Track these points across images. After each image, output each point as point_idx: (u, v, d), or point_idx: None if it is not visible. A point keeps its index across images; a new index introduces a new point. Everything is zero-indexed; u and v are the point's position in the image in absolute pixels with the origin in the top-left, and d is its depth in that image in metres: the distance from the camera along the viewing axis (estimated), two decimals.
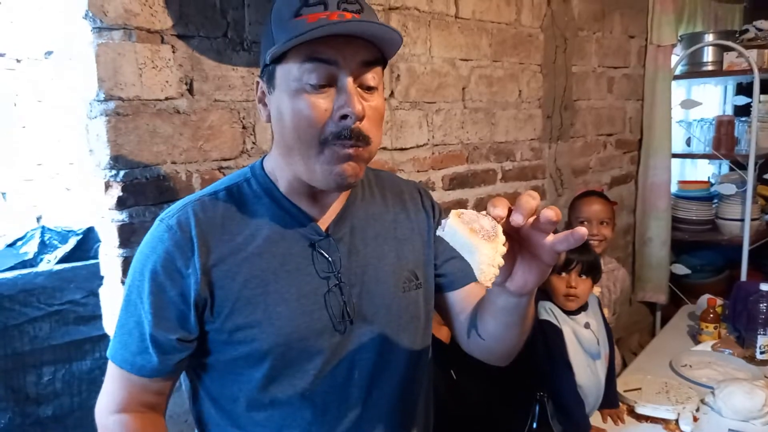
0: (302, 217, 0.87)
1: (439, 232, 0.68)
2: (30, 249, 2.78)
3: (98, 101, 1.14)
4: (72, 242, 2.75)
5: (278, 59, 0.80)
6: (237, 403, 0.88)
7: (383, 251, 0.93)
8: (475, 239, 0.64)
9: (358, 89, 0.79)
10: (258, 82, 0.86)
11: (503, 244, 0.65)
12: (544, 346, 1.55)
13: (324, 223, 0.89)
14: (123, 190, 1.18)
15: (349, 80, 0.78)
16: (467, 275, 1.01)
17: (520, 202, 0.67)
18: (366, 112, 0.79)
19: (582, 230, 0.65)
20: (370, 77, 0.80)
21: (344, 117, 0.77)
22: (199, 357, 0.88)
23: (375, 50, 0.80)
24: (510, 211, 0.68)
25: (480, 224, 0.65)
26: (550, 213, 0.65)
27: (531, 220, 0.68)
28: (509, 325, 0.86)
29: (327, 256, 0.87)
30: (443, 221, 0.67)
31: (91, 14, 1.11)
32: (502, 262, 0.64)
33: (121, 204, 1.18)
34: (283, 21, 0.79)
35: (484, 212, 0.67)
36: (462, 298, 0.99)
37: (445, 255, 1.00)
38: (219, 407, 0.90)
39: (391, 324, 0.91)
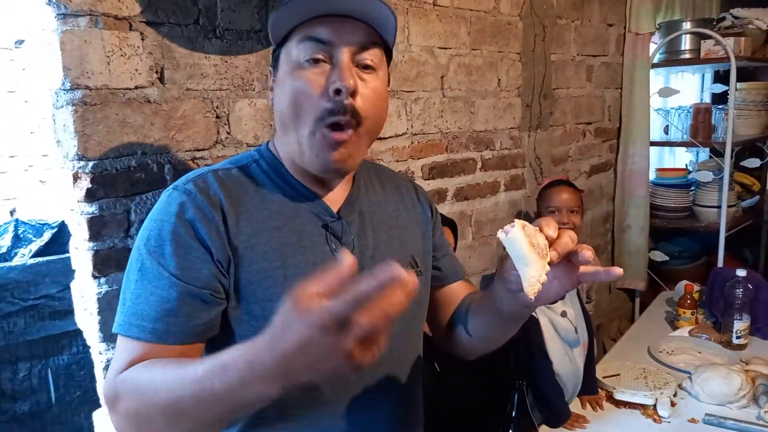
0: (314, 198, 0.89)
1: (500, 236, 0.72)
2: (4, 243, 2.73)
3: (64, 90, 1.10)
4: (47, 236, 2.70)
5: (281, 43, 0.83)
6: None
7: (389, 237, 0.96)
8: (532, 254, 0.70)
9: (356, 69, 0.81)
10: (270, 71, 0.88)
11: (548, 263, 0.71)
12: (521, 336, 1.56)
13: (334, 206, 0.91)
14: (92, 181, 1.15)
15: (344, 57, 0.79)
16: (457, 272, 1.08)
17: (561, 242, 0.72)
18: (361, 90, 0.80)
19: (618, 271, 0.72)
20: (368, 56, 0.81)
21: (337, 92, 0.78)
22: (215, 338, 0.85)
23: (373, 33, 0.82)
24: (559, 235, 0.73)
25: (537, 240, 0.71)
26: (589, 254, 0.71)
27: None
28: (504, 329, 0.92)
29: (340, 237, 0.89)
30: (507, 227, 0.71)
31: (54, 0, 1.07)
32: (546, 279, 0.70)
33: (90, 196, 1.15)
34: (284, 3, 0.80)
35: (537, 228, 0.72)
36: (449, 294, 1.06)
37: (442, 251, 1.07)
38: None
39: None
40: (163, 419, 0.69)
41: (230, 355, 0.63)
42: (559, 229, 0.73)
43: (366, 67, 0.82)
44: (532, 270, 0.69)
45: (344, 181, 0.94)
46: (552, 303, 0.80)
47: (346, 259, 0.56)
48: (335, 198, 0.92)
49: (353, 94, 0.79)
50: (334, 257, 0.86)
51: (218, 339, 0.84)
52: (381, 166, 1.09)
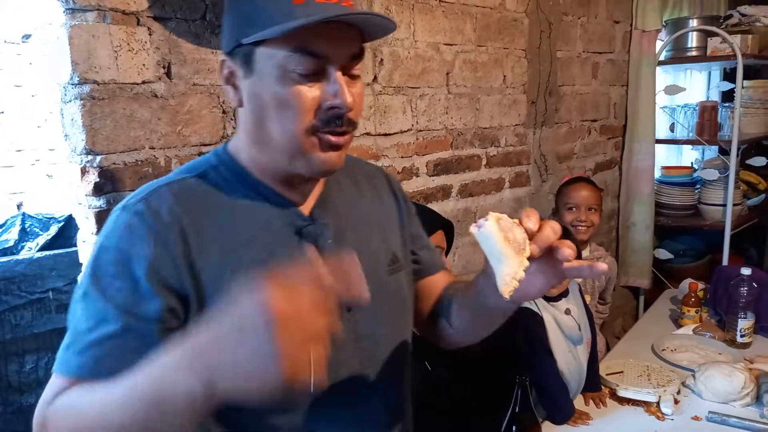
0: (283, 202, 0.83)
1: (473, 230, 0.68)
2: (11, 236, 2.74)
3: (72, 85, 1.11)
4: (53, 229, 2.71)
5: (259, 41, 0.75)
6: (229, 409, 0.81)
7: (368, 234, 0.92)
8: (507, 249, 0.65)
9: (345, 78, 0.77)
10: (224, 61, 0.79)
11: (529, 257, 0.67)
12: (524, 334, 1.55)
13: (306, 208, 0.85)
14: (100, 175, 1.16)
15: (339, 72, 0.75)
16: (437, 264, 1.05)
17: (541, 235, 0.69)
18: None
19: (602, 266, 0.69)
20: (357, 66, 0.78)
21: (333, 108, 0.75)
22: None
23: (360, 40, 0.78)
24: (540, 226, 0.70)
25: (513, 234, 0.66)
26: (568, 251, 0.68)
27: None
28: (488, 324, 0.90)
29: (316, 242, 0.83)
30: (480, 221, 0.67)
31: None
32: (523, 275, 0.66)
33: (98, 190, 1.16)
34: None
35: (516, 220, 0.67)
36: (429, 285, 1.03)
37: (420, 242, 1.03)
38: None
39: (384, 308, 0.90)
40: None
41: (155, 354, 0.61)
42: (542, 220, 0.70)
43: (352, 77, 0.78)
44: (507, 267, 0.65)
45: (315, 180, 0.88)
46: (538, 298, 0.77)
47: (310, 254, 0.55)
48: (307, 199, 0.86)
49: (350, 110, 0.76)
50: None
51: None
52: (350, 157, 0.99)
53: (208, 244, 0.76)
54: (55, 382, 0.72)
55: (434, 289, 1.02)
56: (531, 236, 0.68)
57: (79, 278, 0.76)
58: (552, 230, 0.69)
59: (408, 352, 0.98)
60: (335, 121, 0.75)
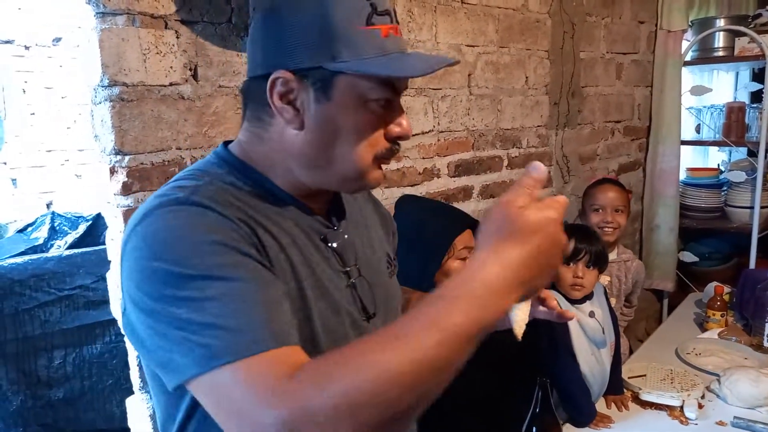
0: (307, 210, 0.83)
1: None
2: (40, 235, 2.82)
3: (102, 87, 1.14)
4: (82, 228, 2.78)
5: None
6: None
7: (370, 238, 0.94)
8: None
9: None
10: (283, 79, 0.73)
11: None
12: (547, 336, 1.55)
13: (322, 214, 0.87)
14: (128, 175, 1.19)
15: (400, 101, 0.80)
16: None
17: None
18: None
19: (570, 314, 0.87)
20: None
21: (399, 137, 0.79)
22: None
23: None
24: None
25: None
26: (554, 303, 0.89)
27: None
28: None
29: (338, 248, 0.85)
30: None
31: None
32: (528, 319, 0.79)
33: (126, 189, 1.19)
34: (351, 25, 0.72)
35: None
36: None
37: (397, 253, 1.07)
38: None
39: (393, 311, 0.93)
40: (398, 388, 0.57)
41: (455, 288, 0.61)
42: None
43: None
44: (521, 313, 0.77)
45: None
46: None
47: (540, 168, 0.66)
48: (322, 206, 0.87)
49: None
50: (340, 271, 0.84)
51: None
52: None
53: (264, 240, 0.74)
54: (256, 368, 0.60)
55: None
56: None
57: (164, 289, 0.64)
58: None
59: None
60: (395, 149, 0.80)
